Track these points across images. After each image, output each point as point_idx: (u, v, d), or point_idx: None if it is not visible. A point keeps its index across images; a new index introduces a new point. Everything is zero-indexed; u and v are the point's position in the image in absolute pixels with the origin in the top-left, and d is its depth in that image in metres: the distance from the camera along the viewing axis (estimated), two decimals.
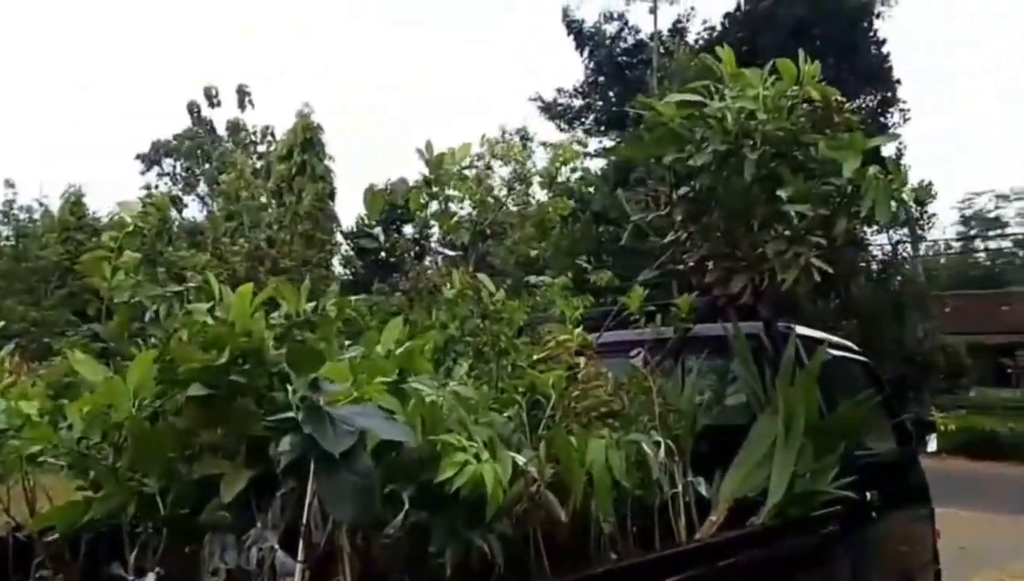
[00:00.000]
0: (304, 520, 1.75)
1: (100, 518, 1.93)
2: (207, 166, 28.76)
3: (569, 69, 27.75)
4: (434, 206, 3.52)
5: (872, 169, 2.82)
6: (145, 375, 1.88)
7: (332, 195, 19.48)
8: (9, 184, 20.39)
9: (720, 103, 2.89)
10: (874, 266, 19.12)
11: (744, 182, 2.87)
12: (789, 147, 2.92)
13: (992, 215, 33.18)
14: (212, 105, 27.91)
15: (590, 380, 2.68)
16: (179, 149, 30.72)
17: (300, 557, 1.75)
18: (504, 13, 48.19)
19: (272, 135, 26.24)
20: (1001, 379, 23.69)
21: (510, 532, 2.03)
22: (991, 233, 33.53)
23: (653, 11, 23.93)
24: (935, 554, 4.63)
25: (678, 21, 24.53)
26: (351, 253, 23.33)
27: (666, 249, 3.30)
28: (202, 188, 29.43)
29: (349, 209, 30.43)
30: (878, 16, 21.19)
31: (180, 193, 29.10)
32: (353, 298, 2.89)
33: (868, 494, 3.28)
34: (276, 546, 1.76)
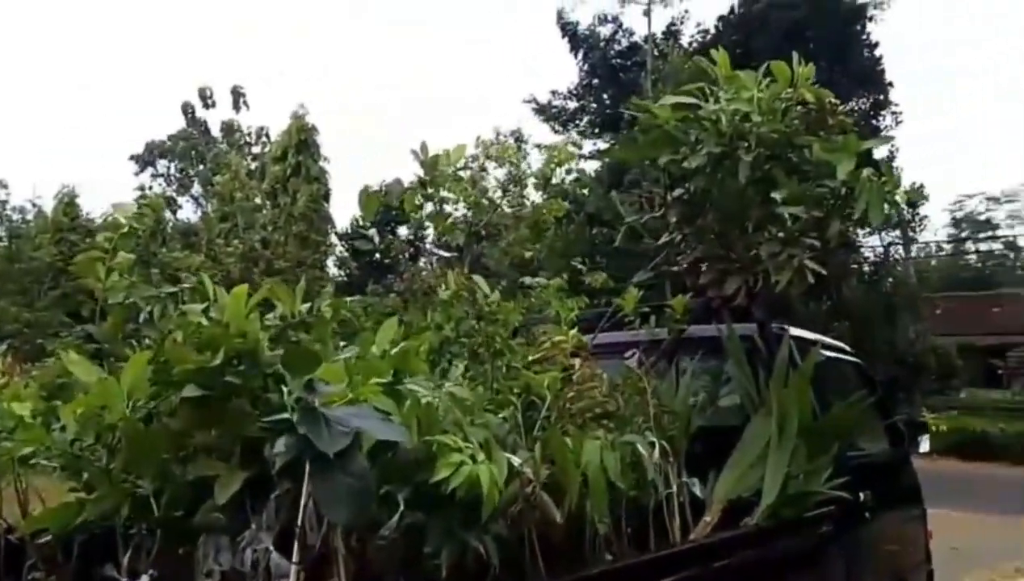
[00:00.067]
0: (299, 522, 1.74)
1: (93, 520, 1.92)
2: (201, 167, 28.66)
3: (569, 70, 27.81)
4: (429, 207, 3.52)
5: (866, 171, 2.83)
6: (139, 376, 1.87)
7: (327, 196, 19.47)
8: (2, 185, 20.29)
9: (715, 105, 2.90)
10: (866, 268, 19.22)
11: (739, 184, 2.88)
12: (783, 149, 2.93)
13: (983, 217, 33.43)
14: (207, 106, 27.83)
15: (585, 381, 2.68)
16: (173, 150, 30.61)
17: (295, 559, 1.74)
18: (504, 13, 48.28)
19: (267, 136, 26.19)
20: (992, 380, 23.85)
21: (506, 533, 2.04)
22: (982, 235, 33.76)
23: (647, 14, 24.06)
24: (928, 554, 4.66)
25: (672, 24, 24.66)
26: (345, 254, 23.28)
27: (661, 251, 3.31)
28: (196, 189, 29.32)
29: (346, 210, 30.39)
30: (871, 19, 21.35)
31: (174, 194, 29.01)
32: (348, 299, 2.89)
33: (861, 495, 3.30)
34: (271, 548, 1.76)
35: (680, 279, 3.38)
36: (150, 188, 28.34)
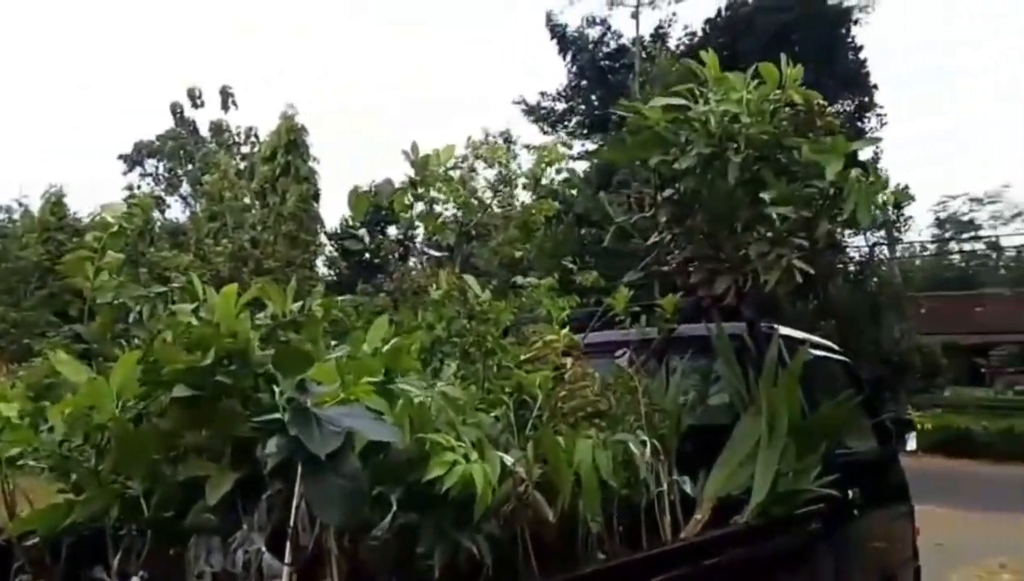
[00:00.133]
0: (291, 522, 1.73)
1: (82, 521, 1.90)
2: (190, 167, 28.46)
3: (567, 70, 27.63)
4: (419, 207, 3.52)
5: (854, 172, 2.86)
6: (129, 376, 1.85)
7: (316, 196, 19.37)
8: None
9: (704, 107, 2.92)
10: (852, 268, 19.38)
11: (728, 185, 2.90)
12: (772, 150, 2.95)
13: (966, 218, 33.81)
14: (195, 106, 27.64)
15: (577, 380, 2.69)
16: (162, 150, 30.38)
17: (287, 560, 1.74)
18: (504, 13, 48.01)
19: (256, 136, 26.04)
20: (975, 378, 24.17)
21: (498, 532, 2.04)
22: (965, 236, 34.15)
23: (635, 16, 24.13)
24: (915, 551, 4.71)
25: (660, 26, 24.75)
26: (335, 254, 23.18)
27: (650, 250, 3.33)
28: (185, 189, 29.11)
29: (337, 210, 30.13)
30: (855, 23, 21.56)
31: (163, 194, 28.79)
32: (339, 299, 2.88)
33: (850, 492, 3.33)
34: (263, 549, 1.75)
35: (670, 279, 3.40)
36: (138, 188, 28.15)
